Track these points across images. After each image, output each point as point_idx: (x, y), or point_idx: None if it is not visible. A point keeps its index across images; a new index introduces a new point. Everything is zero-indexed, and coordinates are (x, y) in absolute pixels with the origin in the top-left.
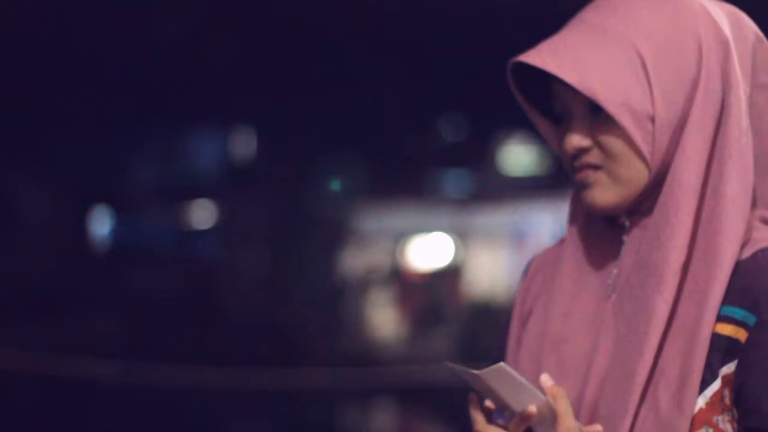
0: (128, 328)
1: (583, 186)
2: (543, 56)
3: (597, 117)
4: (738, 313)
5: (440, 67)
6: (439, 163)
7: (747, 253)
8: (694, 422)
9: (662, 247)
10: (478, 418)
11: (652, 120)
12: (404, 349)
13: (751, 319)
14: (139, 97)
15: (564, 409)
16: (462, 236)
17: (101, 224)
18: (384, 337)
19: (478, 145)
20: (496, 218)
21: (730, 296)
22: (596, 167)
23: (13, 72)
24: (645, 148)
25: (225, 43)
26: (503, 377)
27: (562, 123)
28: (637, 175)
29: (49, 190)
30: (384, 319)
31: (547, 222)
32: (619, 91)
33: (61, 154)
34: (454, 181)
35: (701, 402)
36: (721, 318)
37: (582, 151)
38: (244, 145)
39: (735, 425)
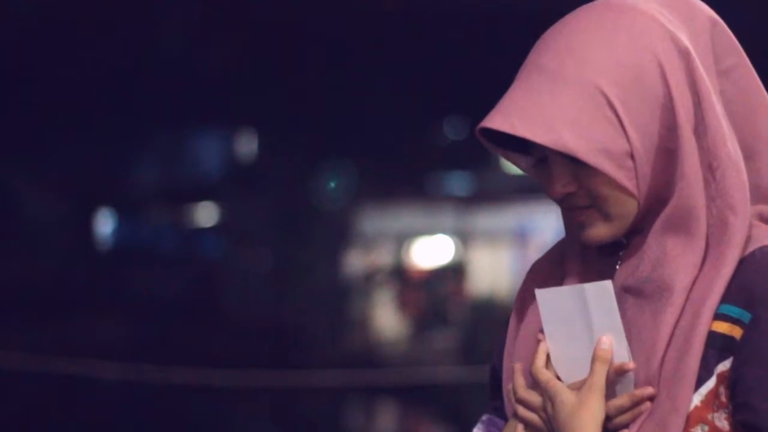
0: (131, 329)
1: (575, 225)
2: (511, 120)
3: (577, 162)
4: (734, 311)
5: (443, 67)
6: (442, 164)
7: (745, 251)
8: (690, 420)
9: (671, 263)
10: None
11: (631, 155)
12: (407, 349)
13: (746, 317)
14: (142, 97)
15: (599, 376)
16: (465, 236)
17: (104, 225)
18: (387, 338)
19: (481, 145)
20: (499, 218)
21: (727, 294)
22: (585, 207)
23: (16, 72)
24: (630, 184)
25: (228, 44)
26: (605, 297)
27: (542, 164)
28: (626, 209)
29: (52, 190)
30: (387, 320)
31: (551, 221)
32: (592, 139)
33: (64, 155)
34: (457, 181)
35: (696, 400)
36: (717, 316)
37: (568, 195)
38: (247, 145)
39: (731, 421)
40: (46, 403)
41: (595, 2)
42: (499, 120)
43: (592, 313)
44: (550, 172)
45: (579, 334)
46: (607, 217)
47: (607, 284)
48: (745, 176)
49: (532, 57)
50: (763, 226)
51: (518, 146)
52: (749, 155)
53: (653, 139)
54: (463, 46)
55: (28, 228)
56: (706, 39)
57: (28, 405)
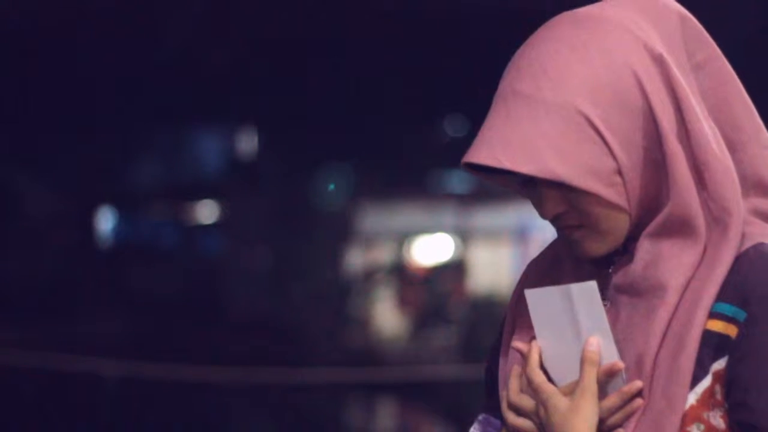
0: (131, 326)
1: (570, 242)
2: (494, 152)
3: (565, 184)
4: (728, 309)
5: (443, 64)
6: (442, 161)
7: (739, 249)
8: (685, 419)
9: (666, 263)
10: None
11: (619, 171)
12: (407, 346)
13: (741, 315)
14: (143, 94)
15: (589, 379)
16: (465, 234)
17: (105, 222)
18: (387, 335)
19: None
20: (500, 216)
21: (722, 292)
22: (578, 225)
23: (16, 70)
24: (620, 201)
25: (228, 42)
26: (591, 297)
27: (530, 184)
28: (619, 223)
29: (52, 188)
30: (387, 317)
31: None
32: (579, 163)
33: (65, 152)
34: (458, 178)
35: (692, 399)
36: (712, 314)
37: (558, 215)
38: (247, 143)
39: (727, 420)
40: (46, 400)
41: (561, 17)
42: (483, 153)
43: (579, 313)
44: (538, 195)
45: (567, 334)
46: (600, 233)
47: (592, 284)
48: (734, 174)
49: (507, 83)
50: (757, 222)
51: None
52: (732, 147)
53: (639, 151)
54: (464, 44)
55: (28, 225)
56: (678, 36)
57: (28, 402)
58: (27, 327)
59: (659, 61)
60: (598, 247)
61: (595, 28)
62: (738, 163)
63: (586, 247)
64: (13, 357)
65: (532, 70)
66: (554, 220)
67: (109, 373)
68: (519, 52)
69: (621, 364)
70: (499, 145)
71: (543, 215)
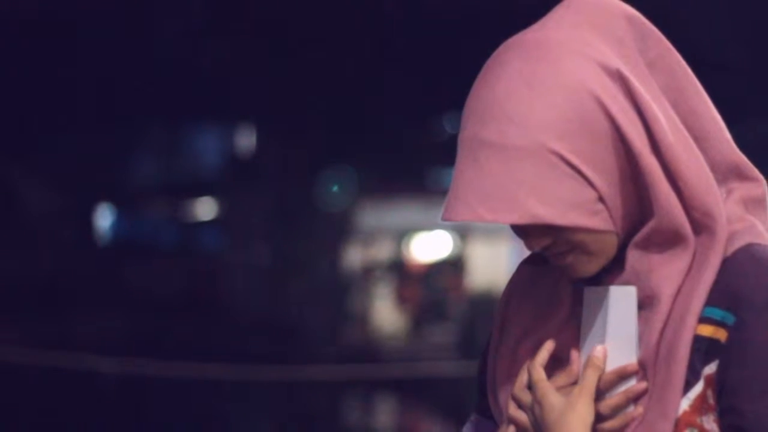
0: (131, 323)
1: (561, 267)
2: (473, 206)
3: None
4: (717, 313)
5: (443, 62)
6: (441, 158)
7: (728, 251)
8: (678, 425)
9: (658, 272)
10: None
11: (600, 199)
12: (406, 343)
13: (730, 319)
14: (142, 92)
15: (590, 382)
16: (463, 231)
17: (104, 219)
18: (386, 332)
19: None
20: None
21: (711, 297)
22: (566, 251)
23: (16, 68)
24: (607, 226)
25: (228, 39)
26: (627, 301)
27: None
28: (609, 242)
29: (51, 185)
30: (386, 314)
31: None
32: (559, 200)
33: (64, 150)
34: None
35: (685, 404)
36: (701, 319)
37: (546, 246)
38: (246, 140)
39: (720, 424)
40: (45, 396)
41: (507, 48)
42: (462, 209)
43: (610, 315)
44: (523, 231)
45: (595, 336)
46: (590, 255)
47: (632, 290)
48: (709, 176)
49: (470, 130)
50: (743, 218)
51: None
52: (697, 137)
53: (615, 173)
54: (463, 41)
55: (27, 223)
56: (628, 39)
57: (27, 399)
58: (26, 325)
59: (617, 77)
60: (590, 268)
61: (546, 58)
62: (706, 151)
63: (578, 271)
64: (12, 355)
65: (494, 115)
66: (543, 250)
67: (108, 370)
68: (475, 93)
69: (635, 366)
70: (476, 198)
71: (530, 249)
